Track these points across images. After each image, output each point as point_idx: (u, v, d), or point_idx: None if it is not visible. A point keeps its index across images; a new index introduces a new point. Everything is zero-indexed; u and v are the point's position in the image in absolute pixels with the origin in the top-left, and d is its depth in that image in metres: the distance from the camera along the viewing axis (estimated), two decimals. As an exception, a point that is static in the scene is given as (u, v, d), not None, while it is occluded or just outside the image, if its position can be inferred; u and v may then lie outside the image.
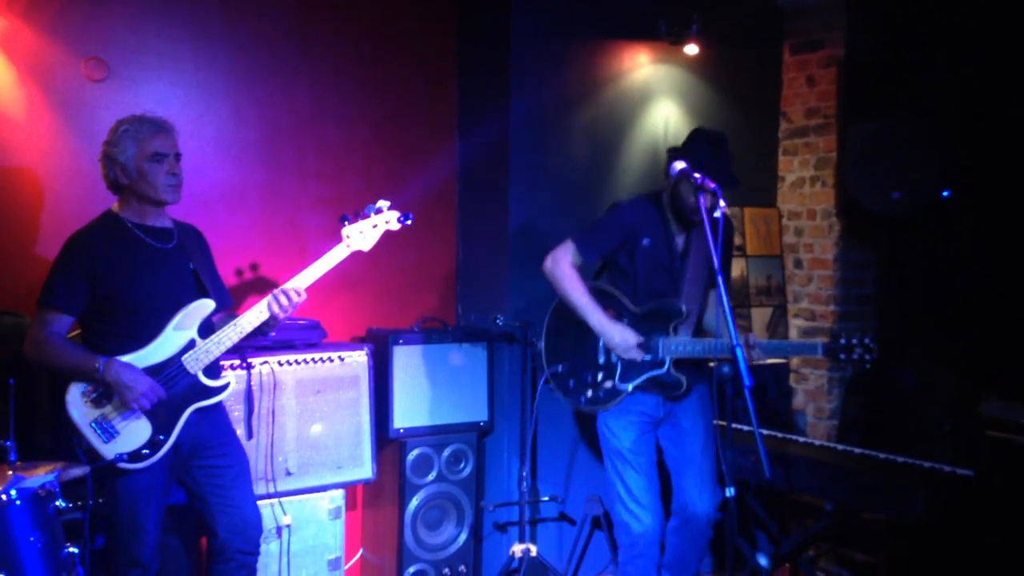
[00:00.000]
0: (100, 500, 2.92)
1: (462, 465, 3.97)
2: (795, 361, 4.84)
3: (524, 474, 3.86)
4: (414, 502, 3.85)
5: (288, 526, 3.59)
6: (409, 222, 3.13)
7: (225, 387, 2.96)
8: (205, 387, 2.91)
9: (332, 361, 3.71)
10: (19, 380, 2.73)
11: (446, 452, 3.92)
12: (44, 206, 3.47)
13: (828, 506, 3.61)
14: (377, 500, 4.04)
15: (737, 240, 4.73)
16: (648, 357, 3.23)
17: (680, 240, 3.33)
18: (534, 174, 4.16)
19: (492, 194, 4.19)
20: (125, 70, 3.59)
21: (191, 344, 2.88)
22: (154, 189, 2.85)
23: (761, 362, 3.11)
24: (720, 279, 2.69)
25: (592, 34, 4.28)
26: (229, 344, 2.90)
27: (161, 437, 2.82)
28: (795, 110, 4.82)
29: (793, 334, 4.86)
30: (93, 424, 2.76)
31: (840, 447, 3.71)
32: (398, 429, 3.82)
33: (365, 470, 3.77)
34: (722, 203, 2.80)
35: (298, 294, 2.94)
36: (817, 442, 4.02)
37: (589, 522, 4.16)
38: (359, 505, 4.16)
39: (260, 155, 3.92)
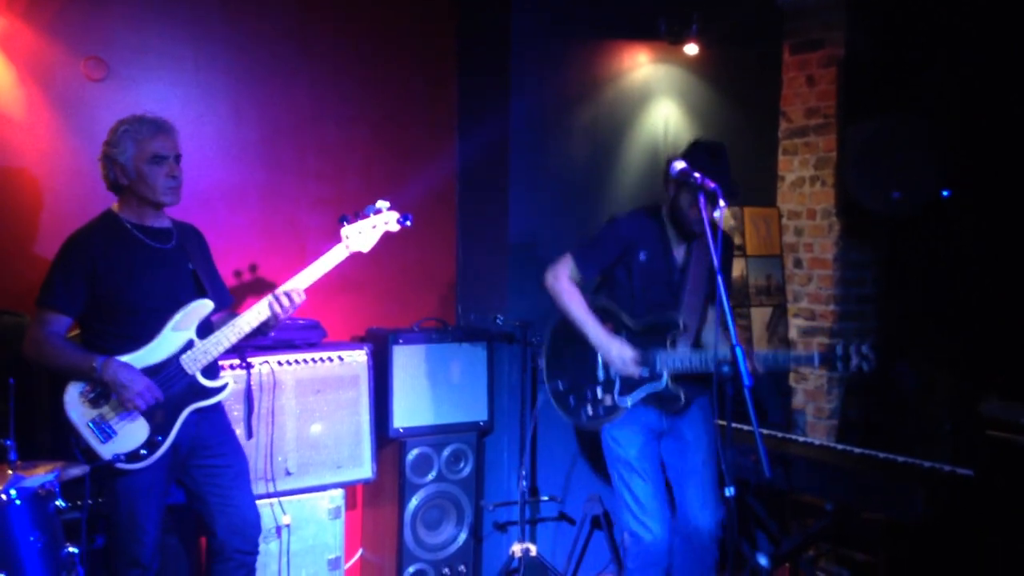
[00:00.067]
0: (100, 500, 2.92)
1: (462, 465, 3.97)
2: (795, 361, 4.84)
3: (524, 474, 3.86)
4: (414, 502, 3.85)
5: (288, 526, 3.59)
6: (409, 223, 3.13)
7: (223, 388, 2.96)
8: (203, 387, 2.91)
9: (332, 361, 3.71)
10: (19, 379, 2.73)
11: (446, 452, 3.92)
12: (44, 206, 3.47)
13: (828, 506, 3.61)
14: (377, 500, 4.04)
15: (737, 240, 4.73)
16: (646, 372, 3.22)
17: (680, 253, 3.31)
18: (534, 174, 4.16)
19: (492, 194, 4.19)
20: (125, 70, 3.59)
21: (189, 344, 2.88)
22: (153, 191, 2.85)
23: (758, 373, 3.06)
24: (720, 279, 2.68)
25: (592, 34, 4.28)
26: (227, 345, 2.90)
27: (159, 438, 2.82)
28: (795, 110, 4.82)
29: (793, 334, 4.86)
30: (91, 424, 2.76)
31: (840, 447, 3.71)
32: (398, 429, 3.82)
33: (365, 470, 3.77)
34: (722, 203, 2.79)
35: (297, 295, 2.94)
36: (817, 442, 4.02)
37: (589, 522, 4.16)
38: (359, 505, 4.16)
39: (260, 155, 3.92)
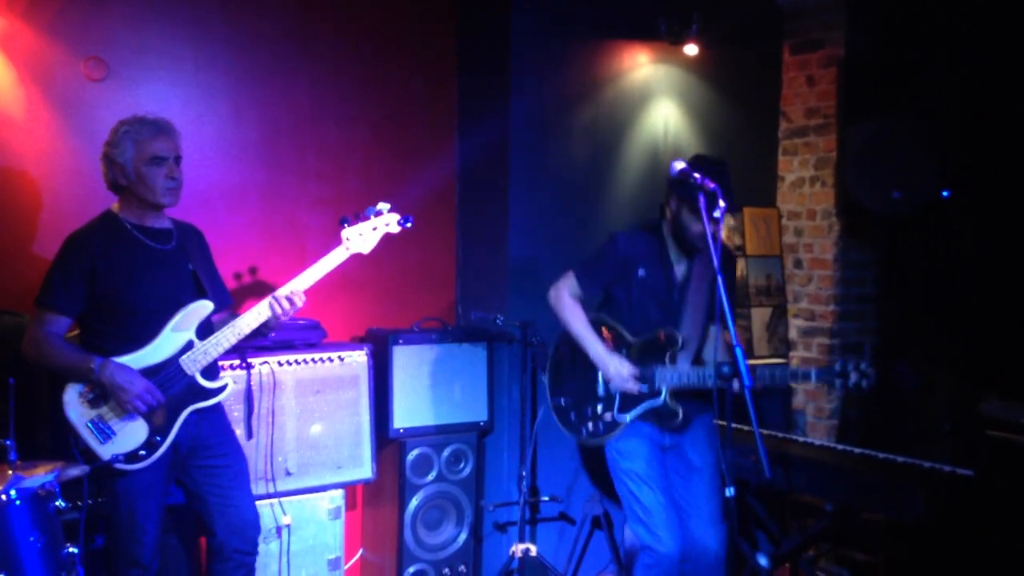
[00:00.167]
0: (99, 500, 2.92)
1: (462, 465, 3.97)
2: (795, 361, 4.84)
3: (524, 474, 3.86)
4: (414, 502, 3.85)
5: (288, 526, 3.59)
6: (409, 225, 3.13)
7: (223, 388, 2.96)
8: (203, 388, 2.91)
9: (332, 361, 3.71)
10: (19, 379, 2.73)
11: (446, 452, 3.92)
12: (44, 206, 3.47)
13: (828, 506, 3.61)
14: (377, 500, 4.04)
15: (737, 240, 4.73)
16: (645, 388, 3.22)
17: (680, 270, 3.30)
18: (534, 174, 4.16)
19: (492, 194, 4.19)
20: (125, 70, 3.59)
21: (189, 345, 2.88)
22: (152, 192, 2.85)
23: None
24: (720, 279, 2.67)
25: (592, 34, 4.29)
26: (227, 346, 2.90)
27: (158, 438, 2.82)
28: (795, 110, 4.82)
29: (793, 334, 4.86)
30: (90, 424, 2.76)
31: (840, 447, 3.71)
32: (398, 429, 3.82)
33: (365, 470, 3.77)
34: (722, 203, 2.78)
35: (298, 297, 2.94)
36: (817, 442, 4.02)
37: (589, 522, 4.16)
38: (359, 505, 4.16)
39: (260, 155, 3.92)
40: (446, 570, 3.93)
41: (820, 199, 4.74)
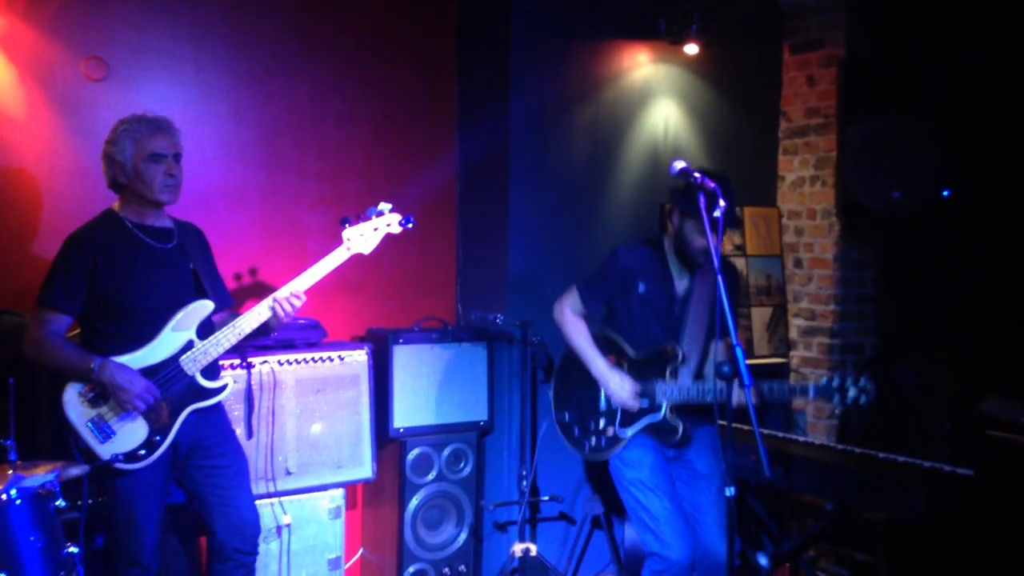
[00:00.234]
0: (100, 500, 2.92)
1: (462, 465, 3.97)
2: (795, 360, 4.84)
3: (524, 473, 3.86)
4: (414, 501, 3.85)
5: (288, 525, 3.59)
6: (410, 225, 3.12)
7: (223, 388, 2.96)
8: (203, 388, 2.91)
9: (332, 360, 3.71)
10: (19, 379, 2.73)
11: (446, 452, 3.92)
12: (44, 205, 3.48)
13: (828, 506, 3.61)
14: (377, 499, 4.04)
15: (737, 240, 4.73)
16: (645, 403, 3.23)
17: (681, 285, 3.31)
18: (534, 174, 4.16)
19: (492, 194, 4.19)
20: (125, 69, 3.59)
21: (189, 345, 2.88)
22: (150, 189, 2.85)
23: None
24: (720, 279, 2.67)
25: (592, 34, 4.29)
26: (227, 346, 2.90)
27: (158, 438, 2.82)
28: (795, 110, 4.82)
29: (793, 334, 4.86)
30: (90, 424, 2.76)
31: (840, 447, 3.71)
32: (398, 428, 3.82)
33: (365, 469, 3.77)
34: (722, 203, 2.78)
35: (298, 297, 2.94)
36: (817, 441, 4.02)
37: (589, 522, 4.17)
38: (359, 504, 4.16)
39: (260, 155, 3.92)
40: (446, 570, 3.93)
41: (820, 199, 4.74)
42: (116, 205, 2.92)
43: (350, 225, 3.04)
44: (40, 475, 2.60)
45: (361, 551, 4.17)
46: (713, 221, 2.75)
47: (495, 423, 4.07)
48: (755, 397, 2.81)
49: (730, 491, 2.66)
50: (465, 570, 3.97)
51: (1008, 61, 4.23)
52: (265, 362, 3.55)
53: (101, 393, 2.76)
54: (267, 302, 2.93)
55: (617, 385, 3.24)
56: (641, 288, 3.29)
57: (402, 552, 3.83)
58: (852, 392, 2.94)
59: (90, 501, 2.78)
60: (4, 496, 2.52)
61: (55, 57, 3.45)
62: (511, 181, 4.10)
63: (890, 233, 4.77)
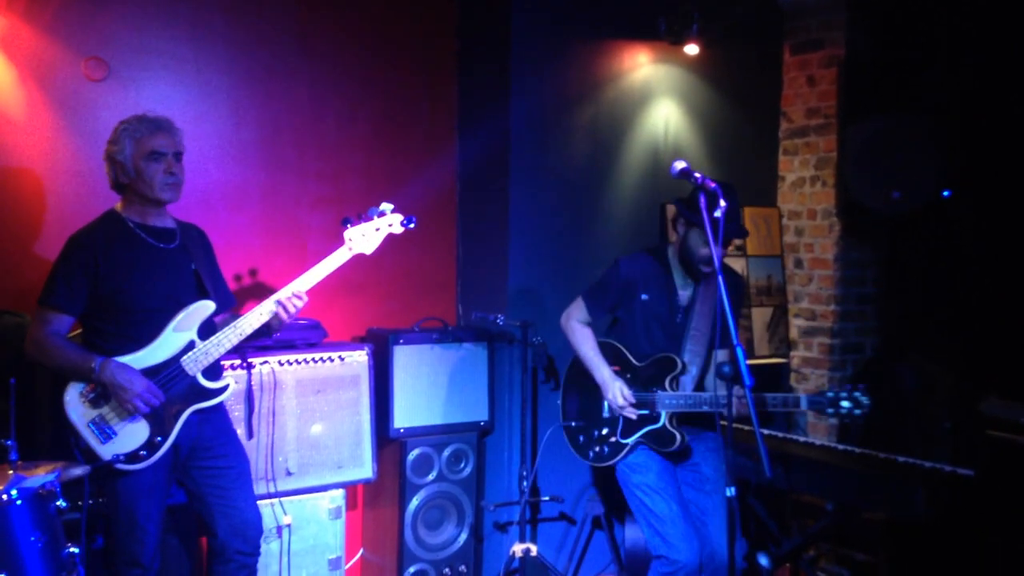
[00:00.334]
0: (100, 500, 2.92)
1: (462, 465, 3.97)
2: (796, 360, 4.84)
3: (524, 474, 3.86)
4: (414, 502, 3.85)
5: (288, 526, 3.59)
6: (412, 225, 3.12)
7: (224, 389, 2.96)
8: (204, 389, 2.91)
9: (332, 361, 3.70)
10: (20, 379, 2.73)
11: (446, 452, 3.92)
12: (45, 206, 3.47)
13: (828, 506, 3.61)
14: (377, 500, 4.04)
15: (737, 240, 4.71)
16: (645, 412, 3.24)
17: (684, 295, 3.33)
18: (534, 174, 4.16)
19: (492, 194, 4.19)
20: (125, 70, 3.59)
21: (190, 345, 2.88)
22: (150, 188, 2.85)
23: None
24: (720, 279, 2.67)
25: (592, 34, 4.29)
26: (228, 346, 2.90)
27: (159, 439, 2.82)
28: (795, 110, 4.82)
29: (794, 334, 4.86)
30: (91, 424, 2.76)
31: (840, 447, 3.71)
32: (398, 429, 3.82)
33: (365, 470, 3.77)
34: (722, 203, 2.78)
35: (299, 297, 2.94)
36: (817, 442, 4.02)
37: (589, 522, 4.16)
38: (359, 505, 4.16)
39: (260, 154, 3.92)
40: (446, 570, 3.93)
41: (820, 199, 4.74)
42: (118, 205, 2.92)
43: (352, 225, 3.04)
44: (41, 475, 2.60)
45: (361, 551, 4.17)
46: (714, 221, 2.75)
47: (495, 423, 4.07)
48: (744, 411, 2.81)
49: (731, 491, 2.67)
50: (465, 570, 3.97)
51: (1008, 61, 4.23)
52: (265, 362, 3.55)
53: (102, 393, 2.76)
54: (269, 302, 2.93)
55: (616, 394, 3.27)
56: (644, 297, 3.32)
57: (402, 552, 3.83)
58: (847, 404, 2.94)
59: (90, 501, 2.78)
60: (5, 496, 2.51)
61: (55, 57, 3.45)
62: (511, 181, 4.10)
63: (890, 233, 4.77)
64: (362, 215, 3.07)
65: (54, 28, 3.44)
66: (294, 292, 2.93)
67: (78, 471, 2.67)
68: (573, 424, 3.49)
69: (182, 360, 2.85)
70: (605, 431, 3.37)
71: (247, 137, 3.88)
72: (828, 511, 3.61)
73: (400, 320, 4.17)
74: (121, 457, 2.74)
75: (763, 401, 3.10)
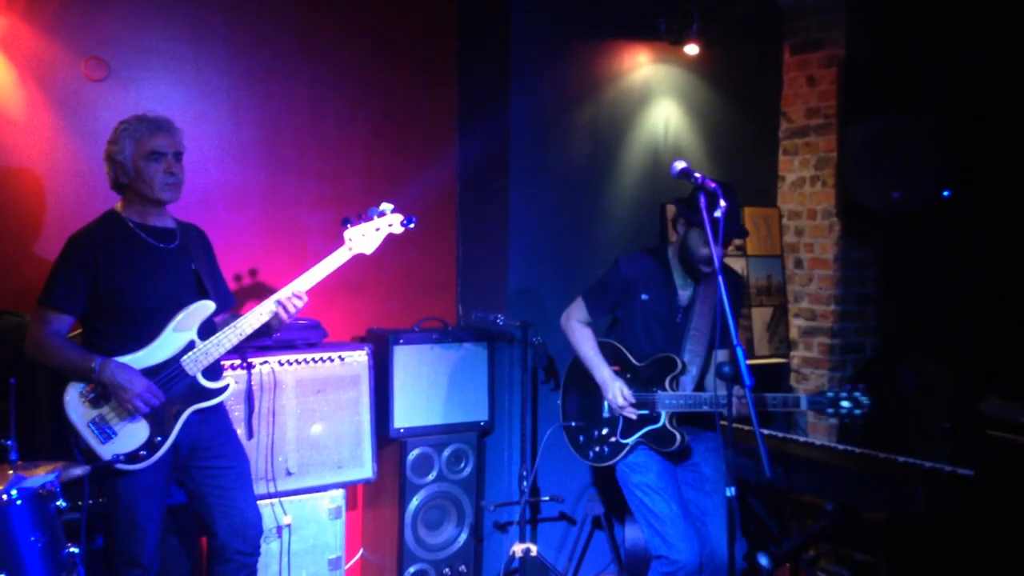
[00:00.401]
0: (100, 500, 2.92)
1: (462, 465, 3.97)
2: (796, 361, 4.84)
3: (524, 474, 3.86)
4: (414, 502, 3.85)
5: (288, 526, 3.59)
6: (412, 225, 3.12)
7: (224, 389, 2.96)
8: (204, 389, 2.91)
9: (332, 361, 3.70)
10: (20, 379, 2.73)
11: (446, 452, 3.92)
12: (45, 206, 3.47)
13: (828, 506, 3.61)
14: (377, 500, 4.04)
15: (737, 240, 4.71)
16: (645, 412, 3.24)
17: (685, 295, 3.33)
18: (534, 174, 4.16)
19: (492, 194, 4.19)
20: (125, 70, 3.59)
21: (190, 345, 2.88)
22: (150, 187, 2.85)
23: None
24: (720, 279, 2.67)
25: (592, 34, 4.29)
26: (229, 346, 2.90)
27: (159, 439, 2.82)
28: (795, 110, 4.82)
29: (794, 334, 4.86)
30: (91, 424, 2.76)
31: (840, 447, 3.71)
32: (398, 429, 3.82)
33: (365, 470, 3.77)
34: (722, 203, 2.78)
35: (299, 297, 2.94)
36: (817, 442, 4.02)
37: (589, 522, 4.16)
38: (359, 505, 4.16)
39: (260, 154, 3.92)
40: (446, 570, 3.93)
41: (820, 199, 4.74)
42: (118, 206, 2.92)
43: (352, 225, 3.04)
44: (41, 475, 2.60)
45: (361, 551, 4.17)
46: (713, 221, 2.75)
47: (495, 423, 4.07)
48: (743, 410, 2.81)
49: (730, 491, 2.67)
50: (465, 570, 3.97)
51: (1008, 61, 4.23)
52: (265, 362, 3.55)
53: (102, 393, 2.76)
54: (269, 302, 2.93)
55: (612, 394, 3.27)
56: (644, 297, 3.32)
57: (402, 552, 3.83)
58: (846, 404, 2.94)
59: (90, 501, 2.78)
60: (4, 496, 2.51)
61: (55, 57, 3.45)
62: (511, 181, 4.10)
63: (890, 233, 4.77)
64: (362, 215, 3.07)
65: (54, 28, 3.44)
66: (294, 292, 2.93)
67: (78, 471, 2.67)
68: (573, 424, 3.50)
69: (182, 360, 2.85)
70: (605, 431, 3.37)
71: (247, 137, 3.88)
72: (828, 511, 3.61)
73: (400, 320, 4.17)
74: (121, 457, 2.74)
75: (763, 401, 3.10)
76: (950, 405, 4.38)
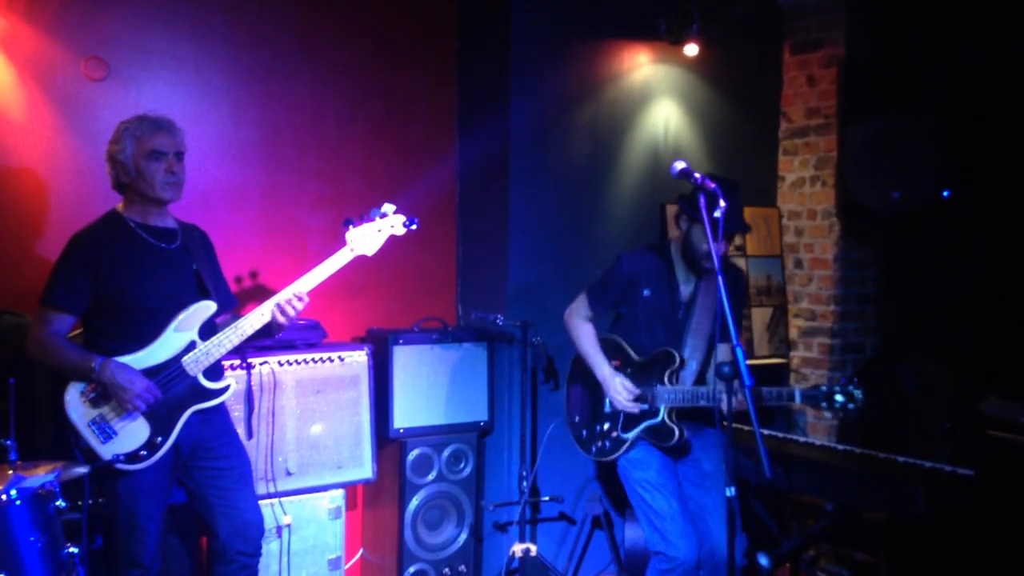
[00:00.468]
0: (100, 500, 2.92)
1: (462, 465, 3.97)
2: (795, 361, 4.84)
3: (524, 474, 3.86)
4: (414, 502, 3.85)
5: (288, 526, 3.59)
6: (414, 227, 3.11)
7: (225, 389, 2.96)
8: (205, 389, 2.91)
9: (332, 361, 3.70)
10: (20, 379, 2.73)
11: (446, 452, 3.92)
12: (44, 206, 3.47)
13: (828, 506, 3.61)
14: (377, 500, 4.04)
15: (737, 240, 4.72)
16: (646, 407, 3.25)
17: (686, 290, 3.33)
18: (534, 174, 4.16)
19: (492, 194, 4.19)
20: (125, 69, 3.59)
21: (191, 346, 2.88)
22: (151, 186, 2.85)
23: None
24: (720, 279, 2.67)
25: (592, 34, 4.28)
26: (229, 347, 2.90)
27: (160, 439, 2.82)
28: (795, 110, 4.82)
29: (794, 334, 4.86)
30: (91, 424, 2.76)
31: (840, 447, 3.71)
32: (398, 429, 3.82)
33: (365, 470, 3.77)
34: (722, 203, 2.77)
35: (300, 299, 2.94)
36: (817, 442, 4.02)
37: (589, 522, 4.16)
38: (359, 505, 4.16)
39: (260, 154, 3.92)
40: (446, 570, 3.93)
41: (820, 199, 4.74)
42: (120, 206, 2.93)
43: (354, 226, 3.03)
44: (40, 475, 2.60)
45: (361, 551, 4.17)
46: (713, 222, 2.74)
47: (495, 423, 4.07)
48: (741, 406, 2.80)
49: (730, 491, 2.66)
50: (465, 570, 3.97)
51: (1008, 61, 4.23)
52: (265, 363, 3.55)
53: (103, 393, 2.76)
54: (269, 303, 2.92)
55: (613, 390, 3.28)
56: (646, 293, 3.32)
57: (402, 552, 3.83)
58: (840, 398, 2.94)
59: (90, 502, 2.77)
60: (4, 496, 2.52)
61: (55, 57, 3.45)
62: (511, 181, 4.10)
63: (890, 233, 4.77)
64: (364, 216, 3.06)
65: (54, 28, 3.44)
66: (295, 293, 2.93)
67: (78, 471, 2.67)
68: (576, 419, 3.50)
69: (183, 360, 2.85)
70: (607, 426, 3.37)
71: (247, 137, 3.88)
72: (828, 511, 3.61)
73: (400, 320, 4.16)
74: (121, 457, 2.74)
75: (759, 396, 3.07)
76: (950, 405, 4.38)
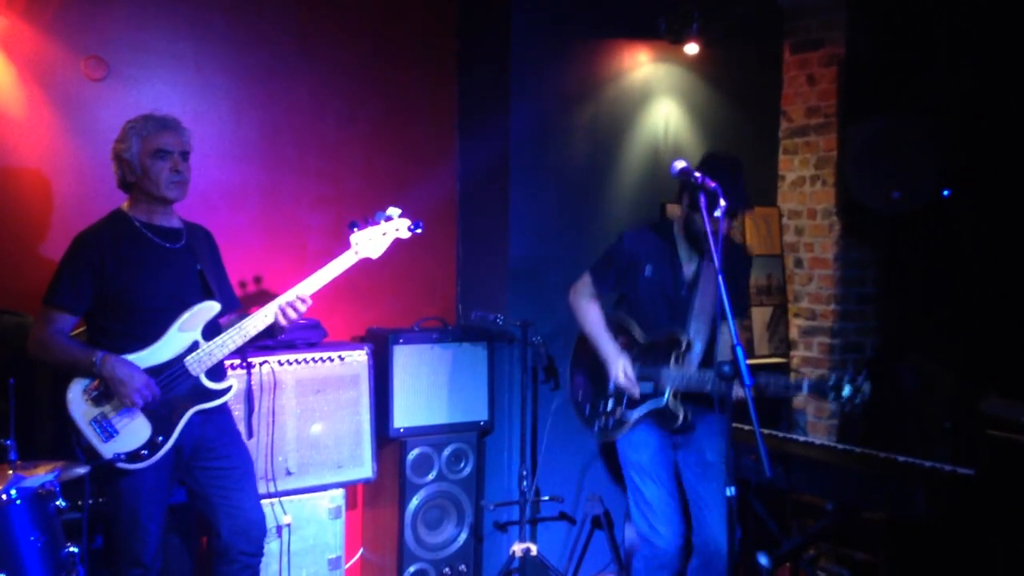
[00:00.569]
0: (101, 500, 2.92)
1: (462, 464, 3.97)
2: (795, 360, 4.84)
3: (524, 473, 3.86)
4: (414, 501, 3.85)
5: (288, 525, 3.59)
6: (419, 231, 3.10)
7: (228, 390, 2.96)
8: (207, 389, 2.91)
9: (332, 361, 3.70)
10: (20, 379, 2.72)
11: (446, 452, 3.92)
12: (44, 205, 3.47)
13: (828, 505, 3.61)
14: (377, 500, 4.04)
15: (738, 239, 4.71)
16: (649, 388, 3.24)
17: (689, 270, 3.32)
18: (534, 174, 4.16)
19: (492, 193, 4.19)
20: (125, 69, 3.59)
21: (194, 346, 2.88)
22: (156, 185, 2.85)
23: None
24: (720, 278, 2.67)
25: (592, 33, 4.28)
26: (233, 347, 2.90)
27: (161, 438, 2.82)
28: (795, 109, 4.82)
29: (794, 334, 4.86)
30: (93, 422, 2.76)
31: (840, 446, 3.71)
32: (398, 429, 3.82)
33: (365, 470, 3.77)
34: (722, 202, 2.77)
35: (304, 301, 2.93)
36: (817, 441, 4.02)
37: (589, 521, 4.16)
38: (359, 505, 4.16)
39: (261, 154, 3.92)
40: (446, 569, 3.93)
41: (820, 198, 4.74)
42: (125, 205, 2.93)
43: (358, 229, 3.02)
44: (40, 475, 2.60)
45: (361, 551, 4.17)
46: (714, 221, 2.74)
47: (495, 423, 4.07)
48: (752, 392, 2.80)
49: (730, 491, 2.66)
50: (465, 570, 3.97)
51: (1008, 61, 4.23)
52: (265, 362, 3.55)
53: (105, 392, 2.76)
54: (273, 305, 2.92)
55: (616, 370, 3.26)
56: (648, 272, 3.30)
57: (402, 552, 3.83)
58: (848, 390, 2.92)
59: (91, 501, 2.78)
60: (4, 496, 2.52)
61: (55, 57, 3.45)
62: (511, 181, 4.10)
63: (890, 233, 4.77)
64: (369, 219, 3.05)
65: (54, 28, 3.44)
66: (299, 296, 2.93)
67: (78, 470, 2.67)
68: (580, 395, 3.49)
69: (185, 360, 2.85)
70: (611, 404, 3.36)
71: (247, 137, 3.88)
72: (828, 511, 3.61)
73: (400, 320, 4.16)
74: (122, 456, 2.74)
75: (765, 386, 3.02)
76: (950, 405, 4.38)
